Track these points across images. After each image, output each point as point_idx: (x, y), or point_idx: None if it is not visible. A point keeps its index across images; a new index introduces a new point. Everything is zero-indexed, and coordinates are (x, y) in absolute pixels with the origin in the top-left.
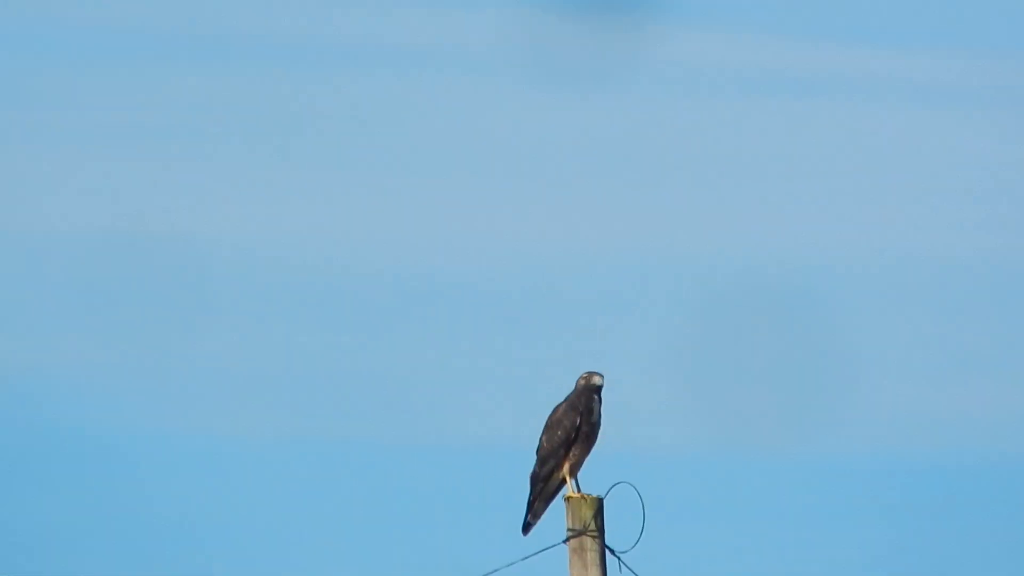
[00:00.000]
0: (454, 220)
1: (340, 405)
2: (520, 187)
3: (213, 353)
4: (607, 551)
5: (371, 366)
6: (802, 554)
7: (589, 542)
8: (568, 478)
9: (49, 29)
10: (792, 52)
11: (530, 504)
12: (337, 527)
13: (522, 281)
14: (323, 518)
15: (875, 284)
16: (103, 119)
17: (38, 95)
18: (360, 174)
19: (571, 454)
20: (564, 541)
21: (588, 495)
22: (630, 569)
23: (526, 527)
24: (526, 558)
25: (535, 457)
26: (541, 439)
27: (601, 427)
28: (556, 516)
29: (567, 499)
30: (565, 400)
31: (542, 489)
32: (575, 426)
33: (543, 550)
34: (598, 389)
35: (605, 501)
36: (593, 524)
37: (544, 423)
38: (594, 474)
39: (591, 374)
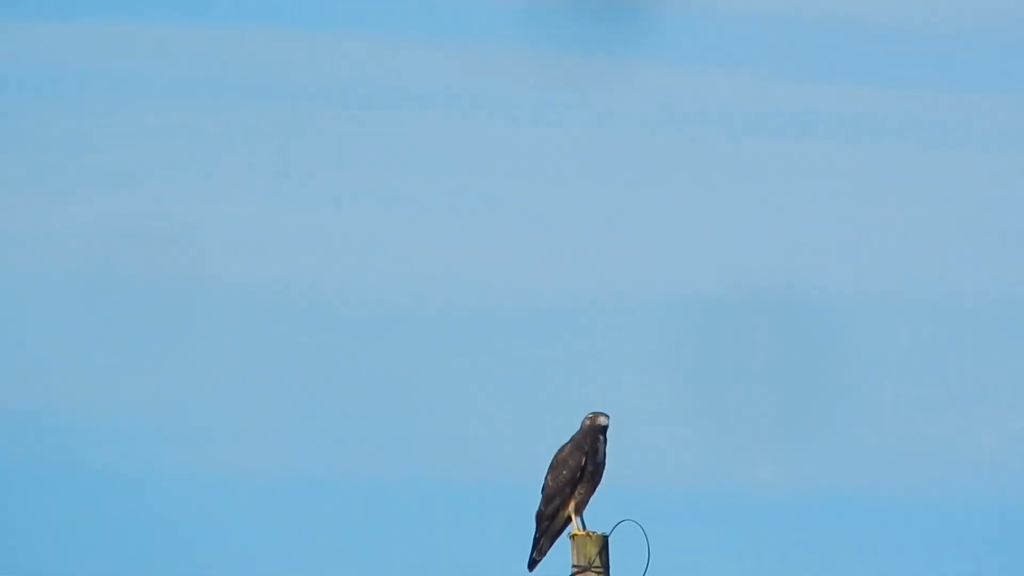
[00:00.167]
0: (456, 256)
1: (345, 443)
2: (517, 224)
3: (216, 387)
4: None
5: (377, 404)
6: None
7: None
8: (573, 516)
9: (68, 65)
10: (786, 90)
11: (535, 541)
12: (342, 564)
13: (527, 318)
14: (328, 554)
15: (872, 320)
16: (99, 155)
17: (53, 112)
18: (356, 206)
19: (576, 493)
20: None
21: (593, 532)
22: None
23: (531, 564)
24: None
25: (540, 496)
26: (546, 478)
27: (606, 466)
28: (561, 553)
29: (572, 536)
30: (571, 440)
31: (547, 527)
32: (580, 466)
33: None
34: (603, 430)
35: (610, 538)
36: (598, 561)
37: (549, 462)
38: (599, 511)
39: (596, 415)
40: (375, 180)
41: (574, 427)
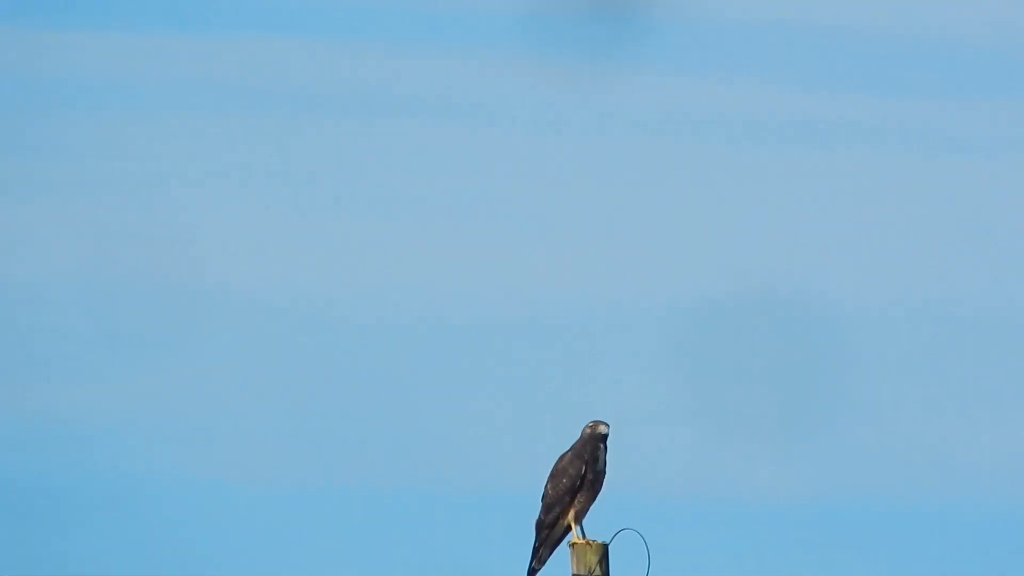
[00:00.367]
0: (456, 262)
1: (345, 450)
2: (517, 228)
3: (216, 393)
4: None
5: (376, 410)
6: None
7: None
8: (573, 525)
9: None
10: (786, 96)
11: (535, 550)
12: (343, 571)
13: (527, 323)
14: (329, 561)
15: (872, 325)
16: (101, 171)
17: (57, 135)
18: (357, 211)
19: (576, 501)
20: None
21: (593, 541)
22: None
23: (531, 573)
24: None
25: (540, 504)
26: (546, 487)
27: (606, 475)
28: (561, 562)
29: (572, 545)
30: (571, 448)
31: (547, 536)
32: (580, 474)
33: None
34: (603, 438)
35: (610, 547)
36: (598, 569)
37: (550, 471)
38: (599, 520)
39: (597, 423)
40: (375, 186)
41: (575, 435)
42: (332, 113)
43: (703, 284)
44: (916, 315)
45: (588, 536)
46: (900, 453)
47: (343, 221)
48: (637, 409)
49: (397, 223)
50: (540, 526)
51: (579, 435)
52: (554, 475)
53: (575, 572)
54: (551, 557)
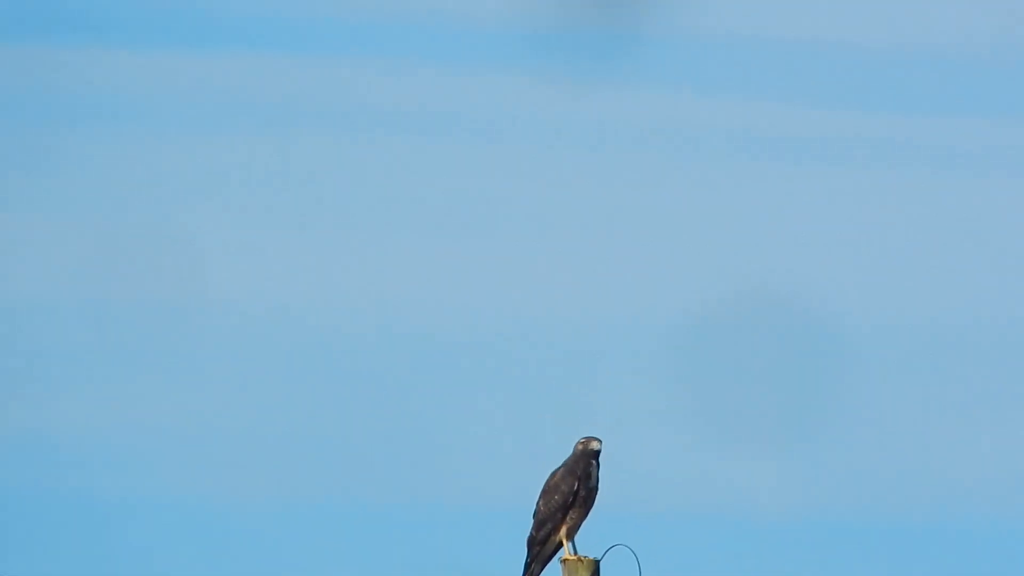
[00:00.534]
0: (454, 278)
1: (336, 468)
2: (513, 240)
3: (211, 414)
4: None
5: (368, 429)
6: None
7: None
8: (565, 541)
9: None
10: (781, 111)
11: (527, 566)
12: None
13: (523, 337)
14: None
15: (872, 339)
16: (97, 184)
17: (48, 151)
18: (351, 226)
19: (568, 518)
20: None
21: (585, 557)
22: None
23: None
24: None
25: (532, 520)
26: (538, 503)
27: (599, 491)
28: None
29: (563, 561)
30: (563, 465)
31: (539, 552)
32: (573, 491)
33: None
34: (596, 454)
35: (601, 563)
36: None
37: (542, 487)
38: (591, 536)
39: (589, 439)
40: (374, 198)
41: (570, 448)
42: (331, 127)
43: (700, 294)
44: (915, 324)
45: (580, 552)
46: (899, 462)
47: (344, 234)
48: (632, 420)
49: (395, 235)
50: (532, 542)
51: (571, 451)
52: (546, 491)
53: None
54: (543, 573)
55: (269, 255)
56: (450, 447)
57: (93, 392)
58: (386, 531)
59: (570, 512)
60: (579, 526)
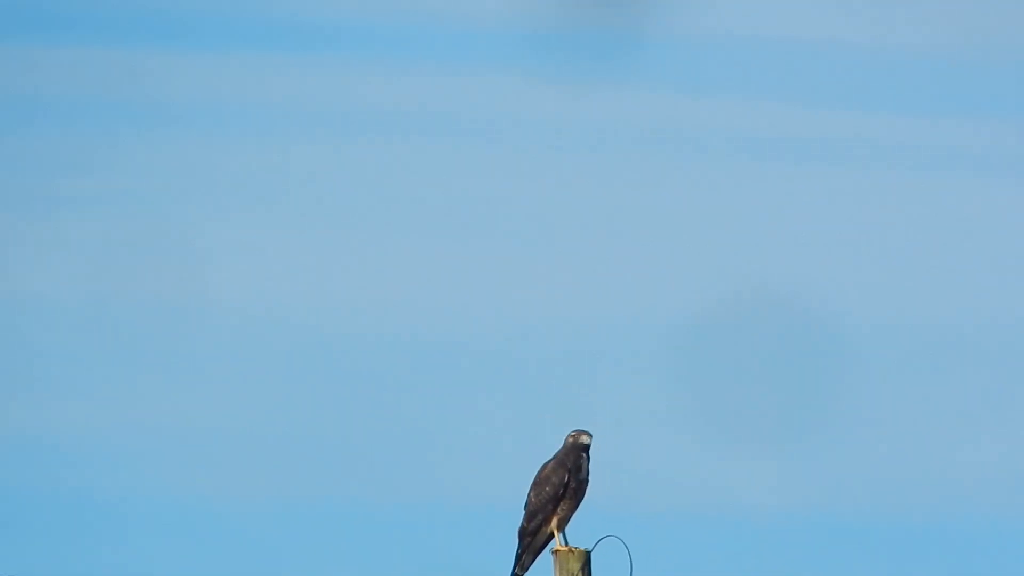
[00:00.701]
0: (447, 282)
1: (329, 464)
2: (511, 240)
3: (208, 413)
4: None
5: (359, 424)
6: None
7: None
8: (556, 532)
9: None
10: (782, 112)
11: (518, 557)
12: None
13: (516, 342)
14: (314, 572)
15: (871, 338)
16: (94, 183)
17: (42, 148)
18: (348, 226)
19: (559, 509)
20: None
21: (576, 548)
22: None
23: None
24: None
25: (523, 512)
26: (529, 495)
27: (589, 483)
28: (544, 569)
29: (555, 552)
30: (554, 457)
31: (530, 543)
32: (563, 483)
33: None
34: (586, 448)
35: (592, 554)
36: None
37: (532, 479)
38: (582, 527)
39: (580, 432)
40: (373, 199)
41: (560, 443)
42: (331, 128)
43: (700, 293)
44: (914, 323)
45: (570, 543)
46: (898, 461)
47: (343, 233)
48: (630, 418)
49: (395, 234)
50: (523, 533)
51: (562, 444)
52: (537, 483)
53: None
54: (534, 564)
55: (268, 255)
56: (448, 445)
57: (88, 391)
58: (378, 524)
59: (561, 504)
60: (570, 518)
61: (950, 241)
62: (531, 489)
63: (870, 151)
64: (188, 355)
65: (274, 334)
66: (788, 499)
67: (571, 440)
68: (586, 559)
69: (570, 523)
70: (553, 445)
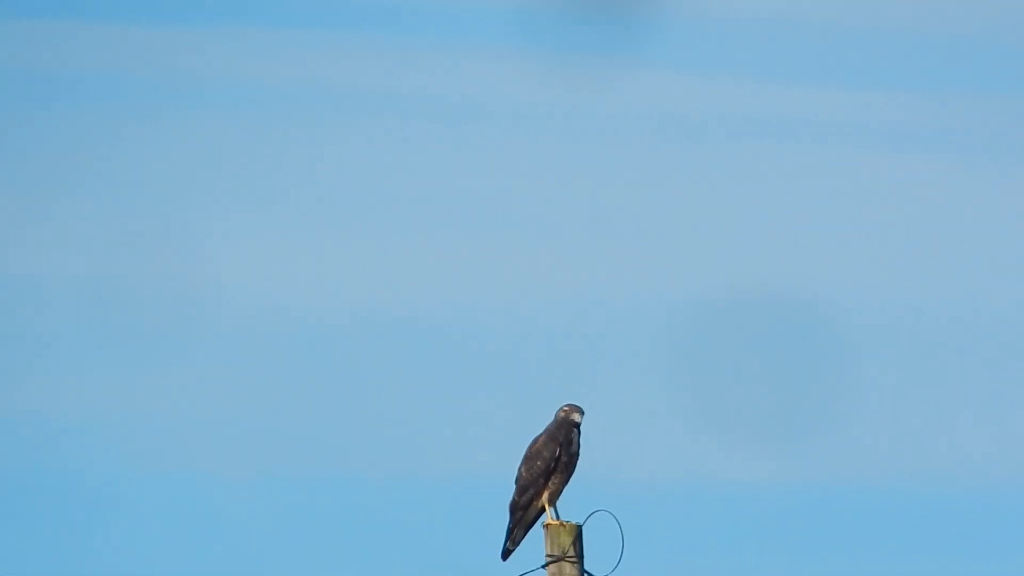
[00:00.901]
0: (435, 258)
1: (324, 437)
2: (507, 223)
3: (197, 393)
4: None
5: (352, 399)
6: None
7: (568, 567)
8: (547, 506)
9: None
10: (767, 94)
11: (509, 531)
12: (320, 556)
13: (505, 313)
14: (305, 546)
15: (866, 320)
16: (96, 166)
17: (43, 139)
18: (350, 209)
19: (550, 483)
20: (543, 566)
21: (567, 522)
22: None
23: (505, 553)
24: None
25: (514, 486)
26: (520, 469)
27: (580, 457)
28: (535, 543)
29: (546, 526)
30: (544, 431)
31: (521, 517)
32: (554, 456)
33: (523, 575)
34: (577, 426)
35: (584, 528)
36: (572, 550)
37: (523, 453)
38: (573, 502)
39: (572, 409)
40: (369, 183)
41: (551, 417)
42: (324, 110)
43: (698, 281)
44: (914, 310)
45: (562, 517)
46: (889, 444)
47: (344, 218)
48: (618, 389)
49: (393, 220)
50: (514, 508)
51: (553, 417)
52: (528, 457)
53: (549, 553)
54: (525, 538)
55: (267, 240)
56: (438, 420)
57: (88, 376)
58: (370, 500)
59: (552, 478)
60: (561, 491)
61: (949, 225)
62: (522, 463)
63: (872, 132)
64: (184, 341)
65: (274, 317)
66: (779, 475)
67: (563, 414)
68: (577, 533)
69: (561, 497)
70: (544, 419)
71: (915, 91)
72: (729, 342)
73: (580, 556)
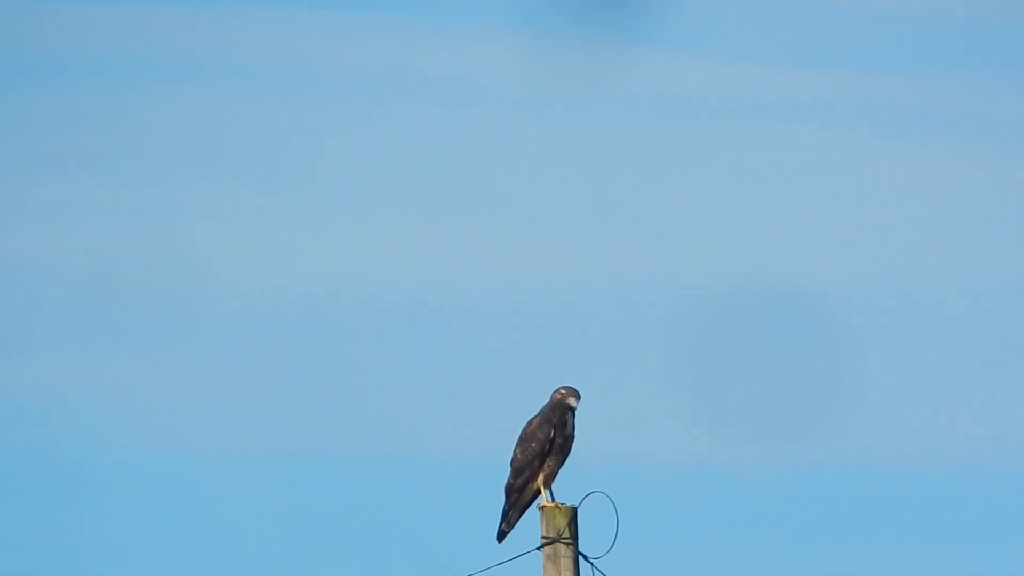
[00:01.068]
0: (438, 240)
1: (322, 420)
2: (507, 208)
3: (192, 372)
4: (580, 557)
5: (350, 382)
6: (773, 564)
7: (563, 549)
8: (542, 488)
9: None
10: (768, 77)
11: (505, 513)
12: (317, 538)
13: (508, 298)
14: (303, 529)
15: (863, 303)
16: (97, 143)
17: (40, 119)
18: (338, 193)
19: (545, 465)
20: (538, 548)
21: (562, 504)
22: (603, 574)
23: (501, 535)
24: (501, 563)
25: (509, 468)
26: (515, 451)
27: (574, 438)
28: (531, 524)
29: (541, 508)
30: (539, 413)
31: (516, 499)
32: (549, 439)
33: (518, 556)
34: (572, 410)
35: (579, 510)
36: (567, 532)
37: (518, 435)
38: (568, 484)
39: (567, 393)
40: (372, 167)
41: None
42: (328, 99)
43: (696, 263)
44: (912, 295)
45: (557, 499)
46: (884, 428)
47: (341, 200)
48: (614, 371)
49: (394, 203)
50: (509, 490)
51: (549, 399)
52: (523, 439)
53: (544, 535)
54: (520, 520)
55: (264, 226)
56: (434, 403)
57: (80, 361)
58: (369, 480)
59: (547, 460)
60: (556, 473)
61: (951, 209)
62: (517, 445)
63: (880, 115)
64: (183, 321)
65: (275, 302)
66: (773, 458)
67: (558, 397)
68: (572, 515)
69: (556, 479)
70: (540, 401)
71: (913, 73)
72: (724, 325)
73: (575, 538)
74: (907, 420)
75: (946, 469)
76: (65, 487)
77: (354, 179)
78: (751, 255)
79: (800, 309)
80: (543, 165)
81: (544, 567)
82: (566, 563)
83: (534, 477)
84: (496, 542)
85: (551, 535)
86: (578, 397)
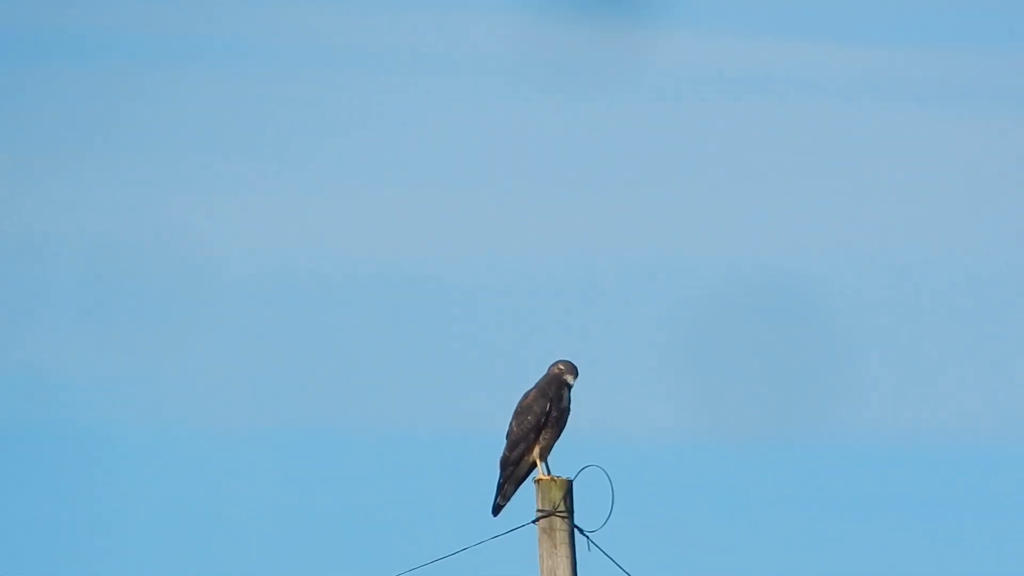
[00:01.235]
0: (439, 217)
1: (319, 394)
2: (516, 190)
3: (194, 347)
4: (576, 531)
5: (347, 355)
6: (768, 539)
7: (558, 522)
8: (538, 461)
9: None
10: (783, 53)
11: (500, 486)
12: (313, 512)
13: (510, 277)
14: (299, 503)
15: (868, 283)
16: (104, 123)
17: (43, 98)
18: (348, 173)
19: (541, 438)
20: (534, 521)
21: (558, 477)
22: (599, 547)
23: (496, 509)
24: (496, 536)
25: (505, 441)
26: (511, 424)
27: (570, 412)
28: (526, 498)
29: (537, 481)
30: (535, 386)
31: (512, 472)
32: (545, 412)
33: (513, 529)
34: (569, 387)
35: (575, 483)
36: (562, 505)
37: (514, 408)
38: (564, 457)
39: (565, 368)
40: (381, 155)
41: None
42: (332, 87)
43: (701, 251)
44: (908, 279)
45: (553, 472)
46: (881, 407)
47: (344, 173)
48: (610, 345)
49: (398, 183)
50: (505, 463)
51: (546, 372)
52: (518, 412)
53: (539, 507)
54: (516, 493)
55: (261, 204)
56: (430, 376)
57: (87, 334)
58: (365, 452)
59: (543, 433)
60: (552, 447)
61: (948, 182)
62: (513, 418)
63: (885, 90)
64: (185, 296)
65: (272, 275)
66: (769, 434)
67: (556, 371)
68: (568, 488)
69: (552, 452)
70: (538, 374)
71: (929, 46)
72: (725, 304)
73: (571, 511)
74: (908, 398)
75: (945, 453)
76: (69, 465)
77: (356, 157)
78: (755, 236)
79: (804, 291)
80: (548, 145)
81: (539, 540)
82: (561, 536)
83: (530, 450)
84: (491, 516)
85: (546, 508)
86: (575, 374)
